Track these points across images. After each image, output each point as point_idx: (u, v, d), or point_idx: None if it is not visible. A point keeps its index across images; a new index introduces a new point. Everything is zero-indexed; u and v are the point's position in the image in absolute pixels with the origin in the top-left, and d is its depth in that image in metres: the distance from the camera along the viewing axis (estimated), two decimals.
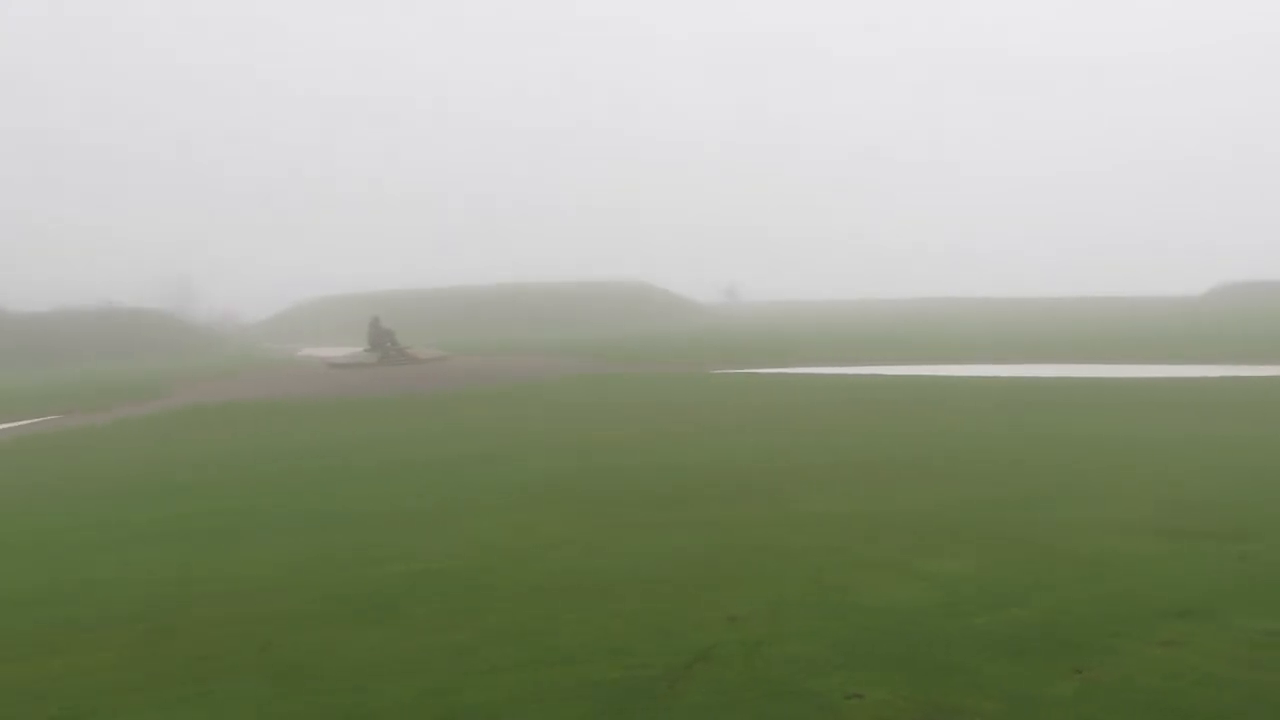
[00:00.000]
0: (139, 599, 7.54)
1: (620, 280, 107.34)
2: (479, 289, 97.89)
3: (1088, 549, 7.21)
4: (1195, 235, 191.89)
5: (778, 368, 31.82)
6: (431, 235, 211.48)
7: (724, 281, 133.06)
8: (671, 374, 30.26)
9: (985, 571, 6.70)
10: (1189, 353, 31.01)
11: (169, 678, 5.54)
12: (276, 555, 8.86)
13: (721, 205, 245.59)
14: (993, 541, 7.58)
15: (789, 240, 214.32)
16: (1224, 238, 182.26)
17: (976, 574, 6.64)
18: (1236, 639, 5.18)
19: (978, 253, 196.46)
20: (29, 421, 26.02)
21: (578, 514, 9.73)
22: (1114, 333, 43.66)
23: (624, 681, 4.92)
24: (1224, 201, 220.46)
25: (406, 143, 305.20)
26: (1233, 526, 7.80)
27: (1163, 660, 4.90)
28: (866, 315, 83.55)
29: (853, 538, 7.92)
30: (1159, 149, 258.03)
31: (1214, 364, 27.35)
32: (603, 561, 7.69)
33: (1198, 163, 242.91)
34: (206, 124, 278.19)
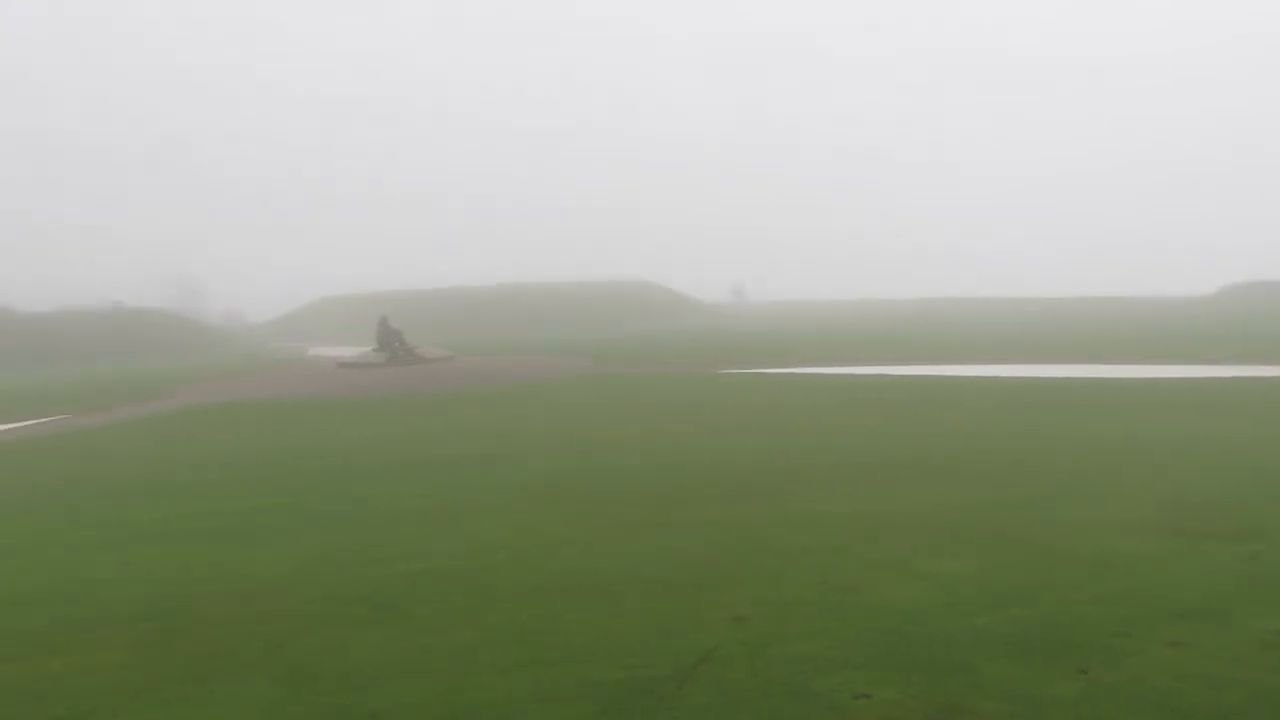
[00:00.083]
0: (142, 599, 7.52)
1: (625, 280, 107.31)
2: (485, 289, 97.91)
3: (1092, 549, 7.19)
4: (1195, 235, 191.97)
5: (781, 367, 31.79)
6: (431, 235, 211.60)
7: (730, 281, 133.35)
8: (676, 374, 30.22)
9: (989, 571, 6.68)
10: (1197, 353, 30.94)
11: (173, 678, 5.53)
12: (280, 555, 8.84)
13: (721, 205, 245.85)
14: (996, 541, 7.57)
15: (788, 240, 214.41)
16: (1224, 238, 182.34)
17: (981, 574, 6.63)
18: (1243, 639, 5.16)
19: (977, 253, 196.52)
20: (35, 421, 26.01)
21: (581, 514, 9.71)
22: (1122, 333, 43.59)
23: (628, 682, 4.91)
24: (1224, 201, 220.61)
25: (406, 143, 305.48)
26: (1239, 526, 7.77)
27: (1169, 661, 4.89)
28: (871, 315, 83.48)
29: (856, 538, 7.91)
30: (1159, 149, 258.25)
31: (1223, 364, 27.30)
32: (606, 562, 7.67)
33: (1198, 163, 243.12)
34: (206, 124, 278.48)
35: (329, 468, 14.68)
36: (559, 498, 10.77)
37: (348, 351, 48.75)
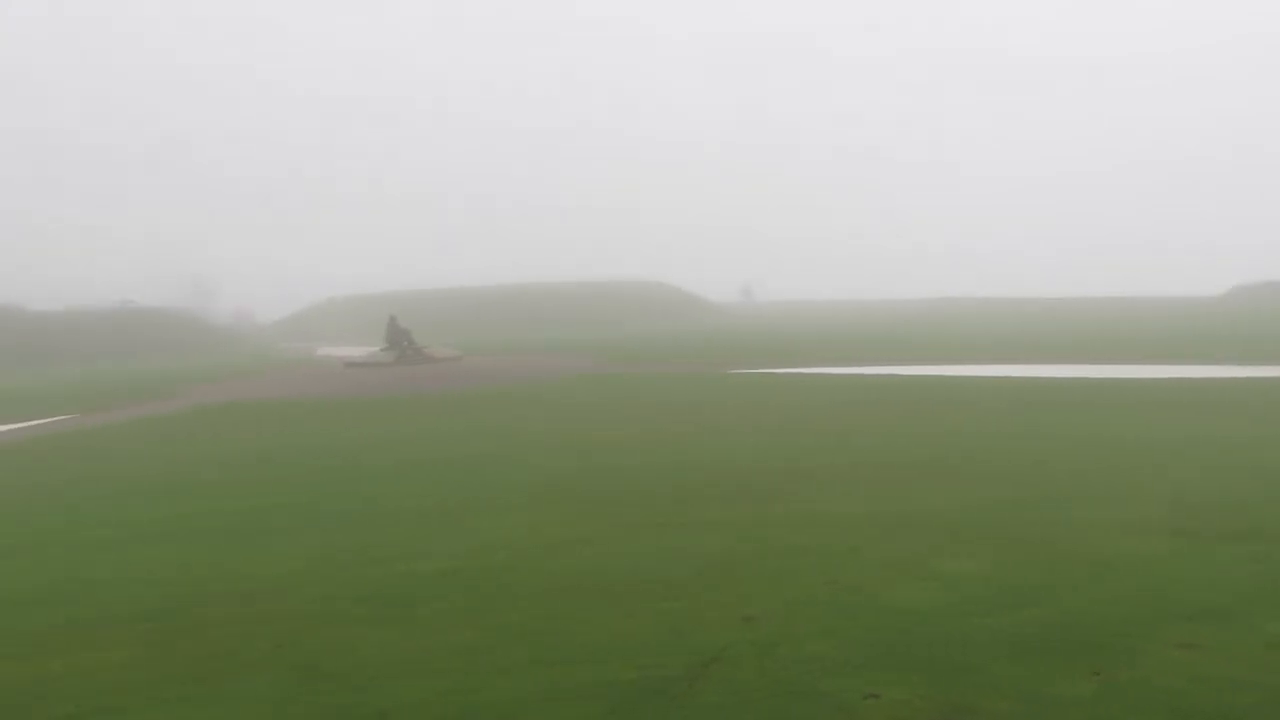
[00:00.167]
0: (148, 599, 7.52)
1: (635, 280, 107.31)
2: (492, 289, 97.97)
3: (1105, 550, 7.17)
4: (1195, 235, 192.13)
5: (792, 368, 31.81)
6: (431, 235, 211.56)
7: (739, 281, 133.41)
8: (686, 374, 30.25)
9: (1001, 572, 6.66)
10: (1208, 353, 30.91)
11: (183, 676, 5.52)
12: (287, 555, 8.84)
13: (721, 205, 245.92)
14: (1008, 542, 7.55)
15: (788, 240, 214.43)
16: (1224, 238, 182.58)
17: (992, 574, 6.61)
18: (1256, 641, 5.15)
19: (977, 253, 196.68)
20: (43, 421, 26.04)
21: (589, 514, 9.69)
22: (1132, 333, 43.54)
23: (639, 682, 4.90)
24: (1224, 201, 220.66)
25: (406, 143, 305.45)
26: (1251, 528, 7.75)
27: (1181, 662, 4.87)
28: (878, 315, 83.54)
29: (867, 538, 7.89)
30: (1159, 149, 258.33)
31: (1234, 365, 27.28)
32: (615, 561, 7.65)
33: (1198, 163, 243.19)
34: (206, 124, 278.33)
35: (337, 467, 14.68)
36: (567, 498, 10.76)
37: (356, 351, 48.86)
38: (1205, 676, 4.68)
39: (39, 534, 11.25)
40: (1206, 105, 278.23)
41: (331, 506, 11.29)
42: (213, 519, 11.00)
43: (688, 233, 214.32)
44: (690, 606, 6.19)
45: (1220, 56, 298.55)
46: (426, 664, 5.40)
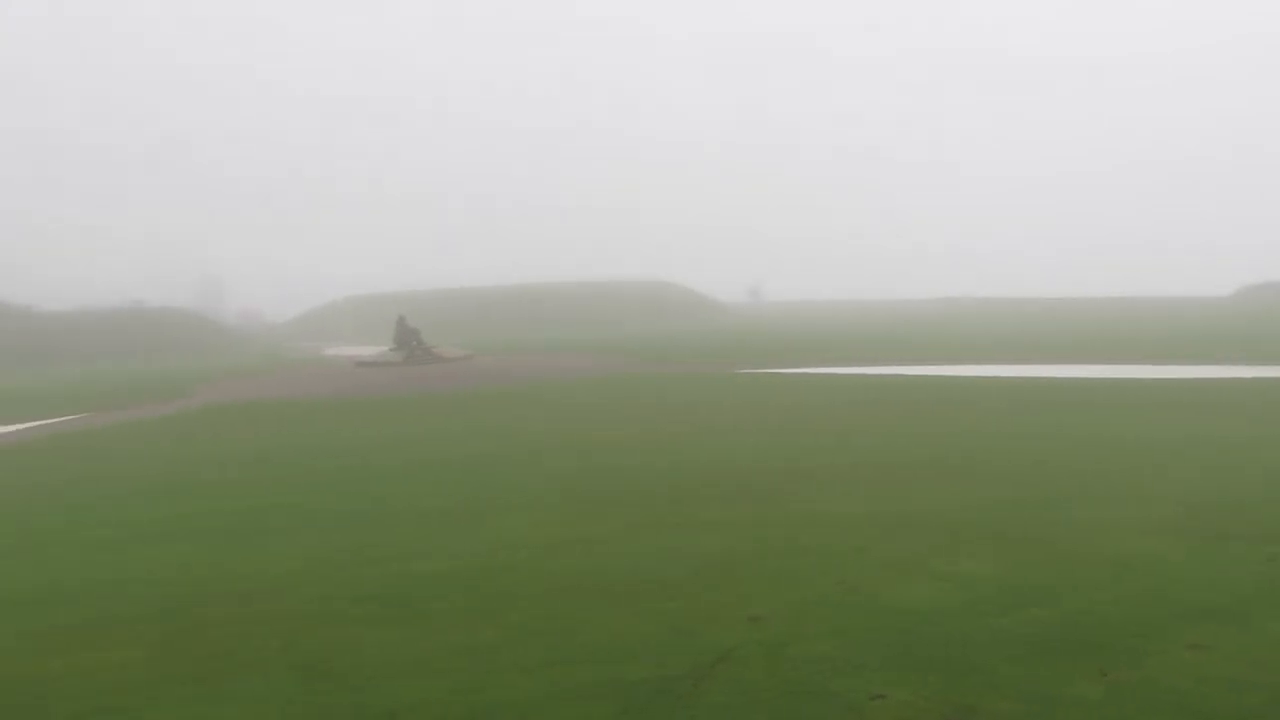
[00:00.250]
0: (158, 598, 7.54)
1: (644, 280, 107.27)
2: (500, 289, 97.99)
3: (1111, 550, 7.18)
4: (1195, 235, 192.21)
5: (801, 367, 31.86)
6: (431, 235, 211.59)
7: (747, 281, 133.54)
8: (694, 374, 30.30)
9: (1007, 572, 6.67)
10: (1216, 354, 30.88)
11: (193, 674, 5.54)
12: (296, 554, 8.84)
13: (721, 206, 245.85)
14: (1014, 542, 7.56)
15: (788, 240, 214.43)
16: (1224, 238, 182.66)
17: (999, 575, 6.62)
18: (1264, 642, 5.15)
19: (977, 253, 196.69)
20: (51, 420, 26.07)
21: (597, 514, 9.71)
22: (1139, 333, 43.51)
23: (647, 681, 4.91)
24: (1224, 202, 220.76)
25: (406, 143, 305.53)
26: (1259, 528, 7.75)
27: (1189, 663, 4.88)
28: (884, 315, 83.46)
29: (873, 538, 7.90)
30: (1159, 149, 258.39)
31: (1242, 365, 27.26)
32: (623, 561, 7.67)
33: (1198, 163, 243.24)
34: (206, 124, 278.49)
35: (343, 467, 14.67)
36: (574, 498, 10.77)
37: (365, 351, 48.97)
38: (1213, 677, 4.69)
39: (40, 534, 11.26)
40: (1206, 105, 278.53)
41: (337, 506, 11.29)
42: (218, 519, 11.01)
43: (688, 233, 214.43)
44: (696, 606, 6.20)
45: (1220, 56, 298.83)
46: (432, 664, 5.40)
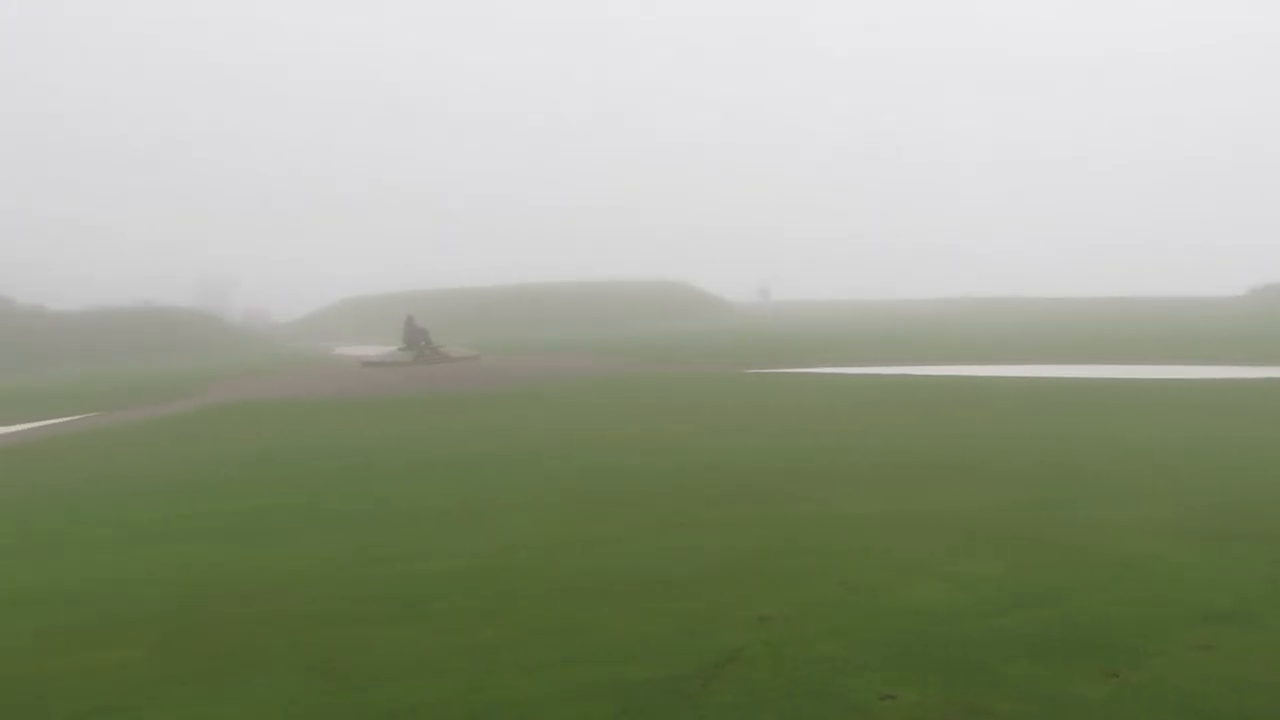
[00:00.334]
0: (162, 597, 7.54)
1: (652, 280, 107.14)
2: (509, 288, 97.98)
3: (1119, 551, 7.18)
4: (1195, 235, 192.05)
5: (809, 367, 31.88)
6: (436, 235, 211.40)
7: (756, 281, 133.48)
8: (700, 374, 30.33)
9: (1016, 572, 6.67)
10: (1227, 354, 30.85)
11: (200, 673, 5.55)
12: (303, 553, 8.85)
13: (720, 206, 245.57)
14: (1023, 542, 7.56)
15: (788, 240, 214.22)
16: (1224, 238, 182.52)
17: (1007, 575, 6.62)
18: (1271, 643, 5.15)
19: (978, 253, 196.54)
20: (60, 420, 26.10)
21: (604, 513, 9.71)
22: (1149, 333, 43.43)
23: (654, 681, 4.91)
24: (1224, 202, 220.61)
25: (408, 142, 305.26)
26: (1267, 529, 7.75)
27: (1198, 663, 4.88)
28: (892, 315, 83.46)
29: (881, 538, 7.90)
30: (1159, 149, 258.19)
31: (1252, 365, 27.23)
32: (630, 561, 7.67)
33: (1198, 163, 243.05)
34: (207, 124, 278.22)
35: (351, 467, 14.67)
36: (581, 498, 10.77)
37: (372, 350, 49.03)
38: (1221, 678, 4.69)
39: (41, 534, 11.27)
40: (1206, 105, 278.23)
41: (342, 506, 11.29)
42: (225, 518, 11.01)
43: (691, 233, 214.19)
44: (704, 606, 6.20)
45: (1220, 56, 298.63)
46: (437, 664, 5.40)
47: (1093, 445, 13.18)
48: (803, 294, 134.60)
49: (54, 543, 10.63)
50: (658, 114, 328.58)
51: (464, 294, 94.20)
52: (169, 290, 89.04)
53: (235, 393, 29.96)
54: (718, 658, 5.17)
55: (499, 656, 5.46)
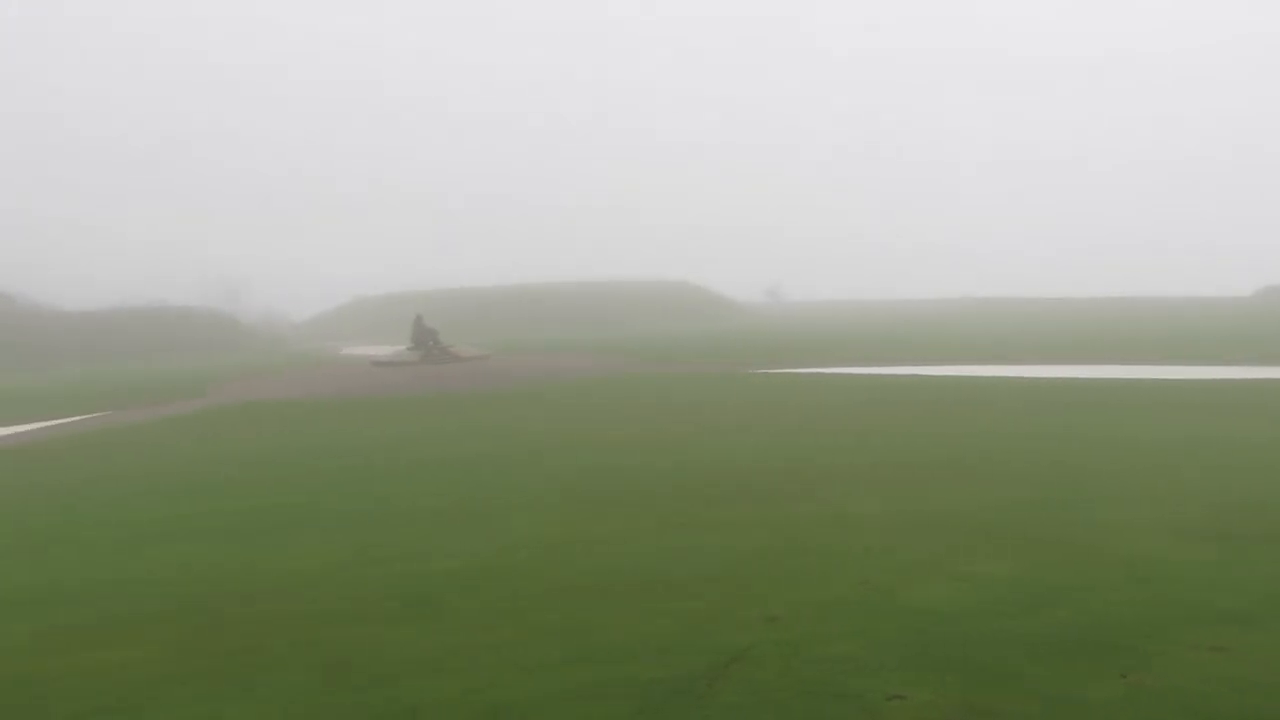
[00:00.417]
0: (167, 596, 7.53)
1: (660, 280, 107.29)
2: (517, 288, 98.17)
3: (1131, 551, 7.14)
4: (1195, 235, 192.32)
5: (815, 367, 31.93)
6: (438, 235, 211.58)
7: (752, 281, 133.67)
8: (706, 374, 30.37)
9: (1027, 573, 6.63)
10: (1234, 354, 30.85)
11: (211, 672, 5.53)
12: (303, 554, 8.82)
13: (720, 205, 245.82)
14: (1033, 543, 7.52)
15: (792, 240, 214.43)
16: (1224, 238, 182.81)
17: (1018, 575, 6.58)
18: None
19: (978, 253, 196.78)
20: (69, 420, 26.14)
21: (615, 513, 9.68)
22: (1157, 333, 43.43)
23: (662, 680, 4.88)
24: (1224, 202, 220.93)
25: (409, 142, 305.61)
26: (1276, 530, 7.70)
27: (1211, 665, 4.84)
28: (898, 315, 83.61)
29: (892, 538, 7.87)
30: (1159, 149, 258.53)
31: (1258, 365, 27.22)
32: (640, 560, 7.63)
33: (1198, 163, 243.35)
34: (208, 124, 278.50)
35: (354, 466, 14.64)
36: (595, 496, 10.75)
37: (382, 350, 49.17)
38: (1235, 679, 4.65)
39: (44, 534, 11.25)
40: (1206, 105, 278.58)
41: (343, 506, 11.27)
42: (243, 517, 11.00)
43: (689, 233, 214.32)
44: (711, 606, 6.17)
45: (1220, 56, 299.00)
46: (443, 663, 5.38)
47: (1098, 446, 13.14)
48: (803, 294, 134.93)
49: (53, 543, 10.61)
50: (657, 114, 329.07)
51: (469, 294, 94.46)
52: (168, 290, 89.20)
53: (243, 393, 30.01)
54: (726, 657, 5.14)
55: (502, 656, 5.43)
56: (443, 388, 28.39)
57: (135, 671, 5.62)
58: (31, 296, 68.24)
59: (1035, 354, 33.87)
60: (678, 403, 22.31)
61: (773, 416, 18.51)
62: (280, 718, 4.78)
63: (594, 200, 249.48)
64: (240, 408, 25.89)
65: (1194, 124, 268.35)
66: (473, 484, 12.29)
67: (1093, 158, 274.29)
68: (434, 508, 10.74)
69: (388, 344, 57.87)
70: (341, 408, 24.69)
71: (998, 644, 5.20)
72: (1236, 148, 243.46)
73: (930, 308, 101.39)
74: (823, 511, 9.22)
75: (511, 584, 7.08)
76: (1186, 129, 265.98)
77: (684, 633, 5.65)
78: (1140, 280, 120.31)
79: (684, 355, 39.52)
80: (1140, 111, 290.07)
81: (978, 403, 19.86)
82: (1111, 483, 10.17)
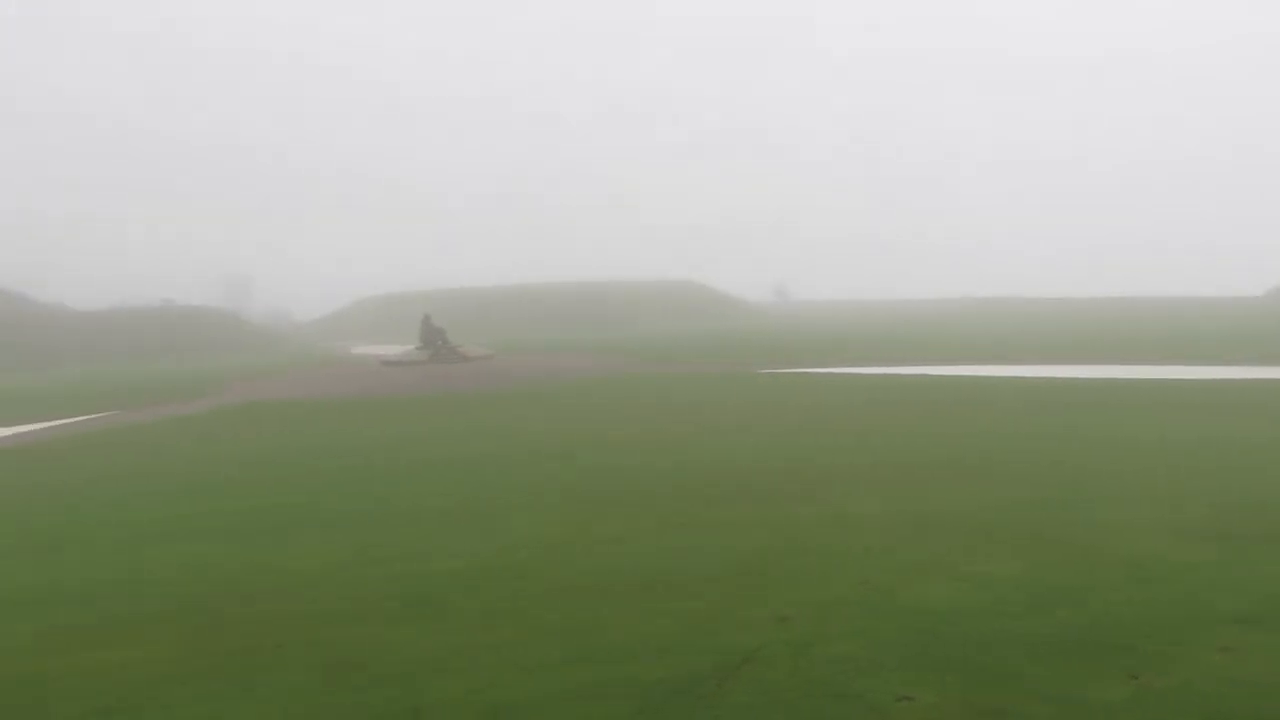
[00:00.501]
0: (168, 596, 7.52)
1: (668, 280, 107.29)
2: (525, 287, 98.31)
3: (1137, 552, 7.12)
4: (1195, 235, 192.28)
5: (814, 367, 31.92)
6: (439, 235, 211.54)
7: (772, 280, 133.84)
8: (712, 374, 30.39)
9: (1031, 573, 6.61)
10: (1242, 354, 30.80)
11: (215, 671, 5.52)
12: (304, 553, 8.79)
13: (720, 205, 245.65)
14: (1039, 543, 7.50)
15: (788, 240, 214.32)
16: (1224, 238, 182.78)
17: (1023, 576, 6.56)
18: None
19: (977, 253, 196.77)
20: (77, 419, 26.13)
21: (622, 512, 9.65)
22: (1164, 333, 43.36)
23: (669, 681, 4.86)
24: (1224, 202, 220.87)
25: (417, 142, 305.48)
26: None
27: (1220, 666, 4.82)
28: (903, 315, 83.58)
29: (898, 539, 7.86)
30: (1159, 149, 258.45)
31: (1268, 366, 27.18)
32: (648, 560, 7.61)
33: (1198, 163, 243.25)
34: (209, 124, 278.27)
35: (354, 466, 14.60)
36: (601, 496, 10.72)
37: (391, 350, 49.25)
38: (1244, 680, 4.64)
39: (46, 534, 11.25)
40: (1206, 105, 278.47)
41: (343, 506, 11.24)
42: (248, 517, 10.98)
43: (689, 233, 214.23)
44: (713, 606, 6.16)
45: (1220, 56, 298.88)
46: (446, 663, 5.37)
47: (1101, 446, 13.11)
48: (810, 293, 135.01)
49: (56, 543, 10.59)
50: (658, 113, 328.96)
51: (478, 293, 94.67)
52: (173, 290, 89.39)
53: (257, 392, 30.05)
54: (734, 658, 5.12)
55: (505, 656, 5.42)
56: (448, 387, 28.39)
57: (136, 671, 5.61)
58: (37, 296, 68.34)
59: (1035, 354, 33.86)
60: (678, 402, 22.30)
61: (775, 416, 18.50)
62: (281, 718, 4.77)
63: (593, 200, 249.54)
64: (247, 407, 25.87)
65: (1194, 124, 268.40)
66: (474, 484, 12.28)
67: (1093, 158, 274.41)
68: (435, 507, 10.72)
69: (394, 343, 57.93)
70: (348, 407, 24.68)
71: (1003, 644, 5.19)
72: (1236, 148, 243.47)
73: (930, 308, 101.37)
74: (823, 512, 9.20)
75: (513, 584, 7.06)
76: (1186, 129, 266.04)
77: (687, 633, 5.63)
78: (1140, 280, 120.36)
79: (686, 355, 39.53)
80: (1140, 111, 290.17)
81: (978, 403, 19.84)
82: (1114, 483, 10.14)
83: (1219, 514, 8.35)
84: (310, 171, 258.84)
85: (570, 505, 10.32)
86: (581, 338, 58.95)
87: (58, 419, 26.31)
